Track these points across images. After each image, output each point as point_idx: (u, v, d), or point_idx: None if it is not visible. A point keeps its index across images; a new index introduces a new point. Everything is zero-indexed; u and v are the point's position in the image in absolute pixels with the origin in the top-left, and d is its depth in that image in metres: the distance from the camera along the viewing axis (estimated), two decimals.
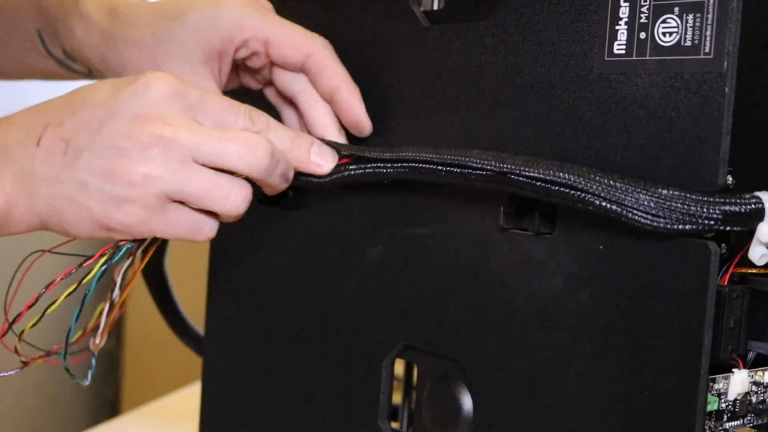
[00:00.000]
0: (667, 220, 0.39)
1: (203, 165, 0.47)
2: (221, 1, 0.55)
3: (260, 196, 0.59)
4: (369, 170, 0.50)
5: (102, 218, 0.47)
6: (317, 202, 0.57)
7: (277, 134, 0.51)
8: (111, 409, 1.95)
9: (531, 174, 0.42)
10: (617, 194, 0.40)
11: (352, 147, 0.52)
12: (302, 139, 0.52)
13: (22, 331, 0.52)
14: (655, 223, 0.40)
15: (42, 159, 0.46)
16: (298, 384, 0.58)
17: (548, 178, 0.42)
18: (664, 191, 0.39)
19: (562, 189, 0.42)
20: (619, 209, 0.40)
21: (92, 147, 0.46)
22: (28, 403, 1.72)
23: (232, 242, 0.63)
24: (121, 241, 0.49)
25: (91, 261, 0.49)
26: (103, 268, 0.49)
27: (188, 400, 0.91)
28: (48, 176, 0.46)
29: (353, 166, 0.51)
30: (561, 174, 0.42)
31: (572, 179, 0.41)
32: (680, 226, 0.39)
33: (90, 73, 0.62)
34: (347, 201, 0.55)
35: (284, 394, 0.59)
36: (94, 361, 0.53)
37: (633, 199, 0.40)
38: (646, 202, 0.40)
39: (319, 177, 0.52)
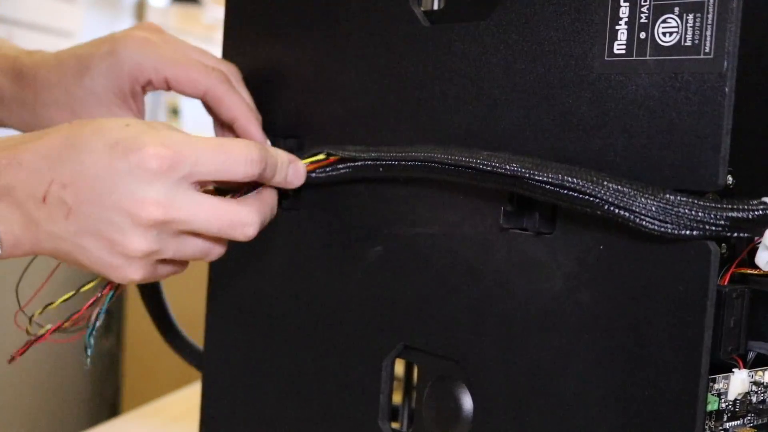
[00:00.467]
0: (674, 226, 0.40)
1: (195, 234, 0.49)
2: (117, 48, 0.59)
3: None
4: (375, 166, 0.51)
5: (101, 272, 0.49)
6: (317, 203, 0.57)
7: (269, 170, 0.51)
8: (111, 409, 1.95)
9: (541, 178, 0.43)
10: (625, 199, 0.40)
11: (348, 149, 0.53)
12: (283, 163, 0.52)
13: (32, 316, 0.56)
14: (662, 229, 0.40)
15: (46, 216, 0.47)
16: (298, 384, 0.58)
17: (558, 182, 0.42)
18: (672, 197, 0.39)
19: (571, 193, 0.42)
20: (627, 214, 0.40)
21: (92, 217, 0.47)
22: (28, 403, 1.72)
23: (232, 242, 0.62)
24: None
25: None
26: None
27: (188, 400, 0.92)
28: (52, 232, 0.48)
29: (349, 165, 0.52)
30: (571, 178, 0.42)
31: (581, 184, 0.41)
32: (687, 232, 0.39)
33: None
34: (347, 201, 0.55)
35: (284, 394, 0.59)
36: (92, 340, 0.54)
37: (641, 205, 0.40)
38: (653, 208, 0.40)
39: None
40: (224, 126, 0.61)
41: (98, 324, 0.54)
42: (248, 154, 0.49)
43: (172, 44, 0.60)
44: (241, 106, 0.59)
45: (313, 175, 0.54)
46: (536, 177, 0.43)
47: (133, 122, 0.48)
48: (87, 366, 0.55)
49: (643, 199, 0.40)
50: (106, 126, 0.48)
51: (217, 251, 0.51)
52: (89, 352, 0.54)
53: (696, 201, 0.39)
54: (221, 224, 0.48)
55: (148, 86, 0.60)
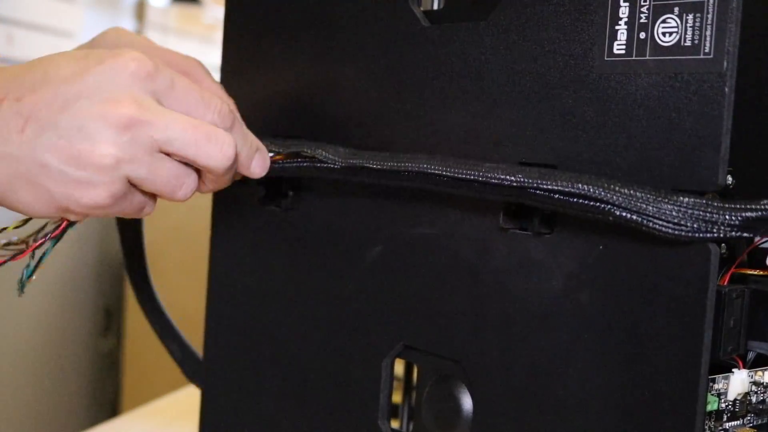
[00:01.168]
0: (688, 229, 0.39)
1: (169, 154, 0.46)
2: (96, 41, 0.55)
3: (261, 197, 0.59)
4: (369, 171, 0.51)
5: (62, 200, 0.45)
6: (317, 202, 0.57)
7: (237, 135, 0.49)
8: (111, 409, 1.95)
9: (549, 187, 0.42)
10: (638, 204, 0.40)
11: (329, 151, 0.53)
12: (253, 144, 0.51)
13: None
14: (677, 232, 0.39)
15: None
16: (298, 384, 0.58)
17: (567, 190, 0.42)
18: (685, 199, 0.39)
19: (582, 201, 0.41)
20: (640, 219, 0.40)
21: (56, 126, 0.43)
22: (28, 403, 1.72)
23: (232, 242, 0.63)
24: (69, 221, 0.49)
25: (36, 246, 0.49)
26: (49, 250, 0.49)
27: (188, 400, 0.91)
28: (2, 153, 0.44)
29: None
30: (580, 186, 0.41)
31: (592, 190, 0.41)
32: (701, 234, 0.39)
33: None
34: (347, 201, 0.55)
35: (284, 394, 0.59)
36: (27, 277, 0.50)
37: (654, 209, 0.40)
38: (667, 211, 0.39)
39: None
40: None
41: (40, 263, 0.50)
42: (222, 106, 0.47)
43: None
44: (218, 89, 0.56)
45: (277, 166, 0.53)
46: (543, 186, 0.42)
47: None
48: (18, 294, 0.51)
49: (656, 203, 0.40)
50: (72, 51, 0.45)
51: (191, 182, 0.47)
52: (22, 286, 0.50)
53: (710, 202, 0.39)
54: (198, 136, 0.46)
55: None
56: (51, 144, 0.44)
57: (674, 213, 0.39)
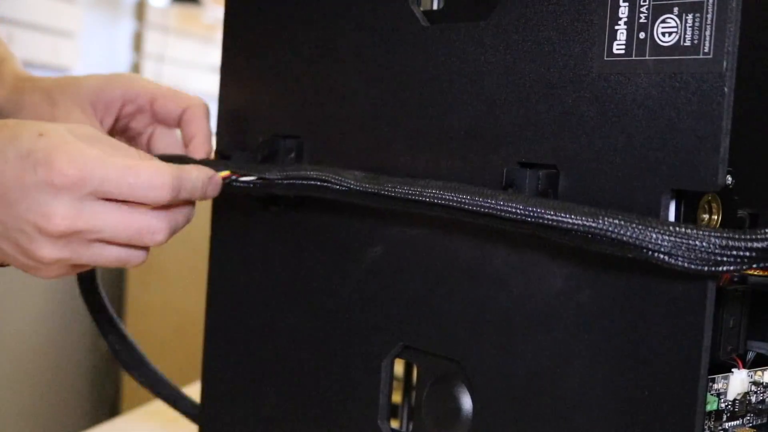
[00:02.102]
0: (710, 262, 0.38)
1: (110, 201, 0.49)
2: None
3: (261, 197, 0.59)
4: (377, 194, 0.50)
5: (22, 268, 0.51)
6: (317, 202, 0.57)
7: (184, 193, 0.51)
8: (111, 409, 1.95)
9: (569, 220, 0.41)
10: (663, 244, 0.38)
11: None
12: (201, 183, 0.53)
13: None
14: (698, 268, 0.38)
15: None
16: (298, 384, 0.58)
17: (588, 223, 0.40)
18: (699, 232, 0.38)
19: (600, 236, 0.40)
20: (666, 257, 0.38)
21: (6, 221, 0.49)
22: (28, 403, 1.72)
23: (231, 242, 0.63)
24: None
25: None
26: None
27: None
28: None
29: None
30: (601, 221, 0.40)
31: (613, 227, 0.39)
32: (723, 268, 0.38)
33: None
34: (347, 201, 0.55)
35: (284, 394, 0.59)
36: None
37: (660, 241, 0.38)
38: (692, 247, 0.38)
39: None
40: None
41: None
42: (159, 179, 0.49)
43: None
44: (205, 131, 0.63)
45: (236, 184, 0.55)
46: (565, 221, 0.41)
47: (49, 131, 0.49)
48: None
49: (680, 237, 0.38)
50: (23, 135, 0.49)
51: (137, 257, 0.52)
52: None
53: (731, 234, 0.37)
54: (129, 233, 0.50)
55: (129, 103, 0.65)
56: (3, 235, 0.49)
57: (697, 251, 0.38)
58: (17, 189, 0.48)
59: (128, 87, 0.65)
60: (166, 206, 0.51)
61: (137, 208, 0.50)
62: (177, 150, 0.65)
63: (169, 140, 0.66)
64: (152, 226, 0.50)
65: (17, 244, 0.49)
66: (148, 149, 0.66)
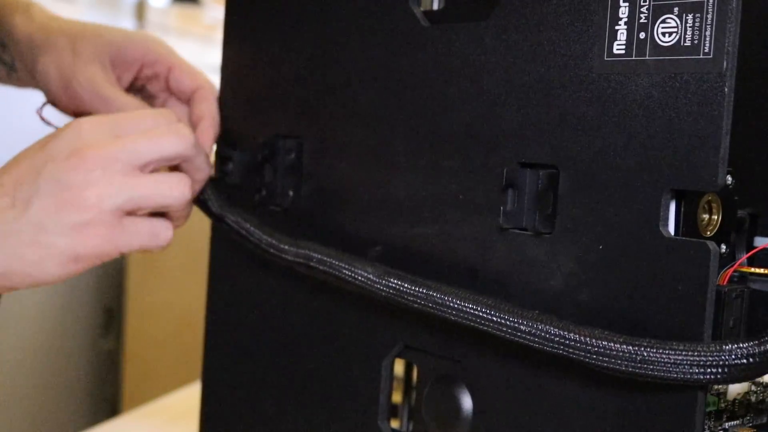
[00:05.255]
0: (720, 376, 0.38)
1: (142, 170, 0.51)
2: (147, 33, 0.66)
3: (261, 197, 0.59)
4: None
5: (69, 249, 0.50)
6: (317, 202, 0.57)
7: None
8: (111, 409, 1.95)
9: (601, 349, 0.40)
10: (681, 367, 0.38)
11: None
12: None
13: None
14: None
15: None
16: (298, 384, 0.58)
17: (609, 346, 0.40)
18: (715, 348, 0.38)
19: (621, 364, 0.40)
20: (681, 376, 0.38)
21: (38, 191, 0.49)
22: (28, 403, 1.72)
23: (232, 243, 0.63)
24: None
25: None
26: None
27: (188, 400, 0.92)
28: (3, 230, 0.49)
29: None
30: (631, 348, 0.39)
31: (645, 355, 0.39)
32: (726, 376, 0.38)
33: (12, 68, 0.68)
34: (347, 201, 0.55)
35: (284, 394, 0.59)
36: None
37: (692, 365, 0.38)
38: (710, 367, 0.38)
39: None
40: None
41: None
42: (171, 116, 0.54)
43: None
44: (214, 114, 0.62)
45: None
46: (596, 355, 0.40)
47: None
48: None
49: (704, 355, 0.38)
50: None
51: (168, 185, 0.52)
52: None
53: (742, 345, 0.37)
54: (164, 141, 0.52)
55: (147, 68, 0.65)
56: (40, 205, 0.49)
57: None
58: (42, 152, 0.50)
59: (148, 50, 0.64)
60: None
61: (161, 174, 0.52)
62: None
63: (181, 114, 0.65)
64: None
65: (56, 201, 0.49)
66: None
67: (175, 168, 0.55)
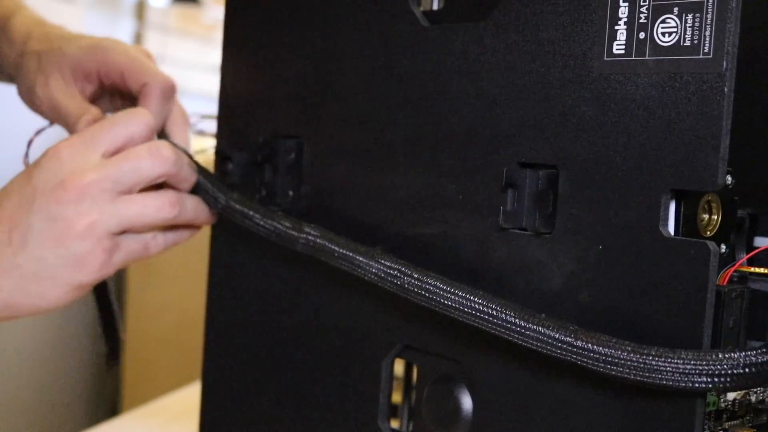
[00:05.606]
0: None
1: (127, 193, 0.52)
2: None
3: (261, 197, 0.59)
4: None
5: (72, 279, 0.52)
6: (317, 202, 0.57)
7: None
8: (111, 409, 1.95)
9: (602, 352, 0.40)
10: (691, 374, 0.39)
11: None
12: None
13: None
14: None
15: None
16: (298, 384, 0.58)
17: (616, 354, 0.40)
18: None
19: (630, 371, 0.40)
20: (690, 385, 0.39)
21: (31, 228, 0.51)
22: (28, 403, 1.72)
23: (232, 242, 0.63)
24: None
25: None
26: None
27: (188, 400, 0.91)
28: (4, 267, 0.51)
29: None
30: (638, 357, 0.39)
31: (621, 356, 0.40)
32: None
33: None
34: (347, 201, 0.55)
35: (284, 394, 0.59)
36: None
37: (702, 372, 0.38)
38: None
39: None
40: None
41: None
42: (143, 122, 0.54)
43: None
44: (157, 111, 0.62)
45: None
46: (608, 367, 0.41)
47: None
48: None
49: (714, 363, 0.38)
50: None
51: (156, 205, 0.53)
52: None
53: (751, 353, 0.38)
54: (143, 163, 0.53)
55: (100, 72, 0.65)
56: (37, 242, 0.51)
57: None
58: (29, 185, 0.51)
59: (102, 61, 0.64)
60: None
61: (148, 193, 0.53)
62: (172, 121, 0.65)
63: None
64: (152, 147, 0.53)
65: (51, 234, 0.51)
66: None
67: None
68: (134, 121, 0.54)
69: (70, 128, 0.63)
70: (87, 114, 0.61)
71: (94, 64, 0.64)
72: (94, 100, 0.66)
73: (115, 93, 0.67)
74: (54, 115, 0.64)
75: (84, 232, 0.51)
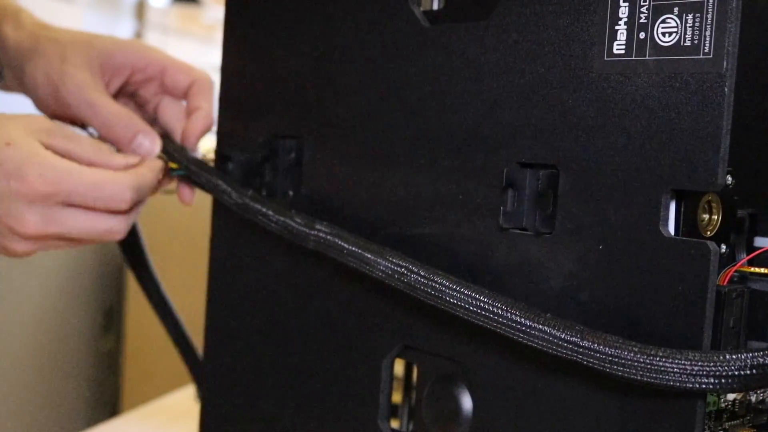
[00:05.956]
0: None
1: (77, 207, 0.56)
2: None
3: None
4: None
5: (28, 250, 0.57)
6: (317, 202, 0.57)
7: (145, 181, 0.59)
8: (111, 409, 1.95)
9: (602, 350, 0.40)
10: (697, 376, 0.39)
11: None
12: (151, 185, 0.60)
13: None
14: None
15: None
16: (298, 384, 0.58)
17: (616, 354, 0.40)
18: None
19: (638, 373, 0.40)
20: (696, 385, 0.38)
21: None
22: (28, 403, 1.72)
23: (232, 242, 0.63)
24: None
25: None
26: None
27: (188, 400, 0.91)
28: None
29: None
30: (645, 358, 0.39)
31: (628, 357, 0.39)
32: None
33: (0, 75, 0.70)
34: (347, 201, 0.55)
35: (284, 394, 0.59)
36: None
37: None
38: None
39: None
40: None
41: None
42: (121, 194, 0.56)
43: None
44: (208, 105, 0.65)
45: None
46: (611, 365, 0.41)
47: (16, 140, 0.54)
48: None
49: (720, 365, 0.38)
50: None
51: (102, 227, 0.57)
52: None
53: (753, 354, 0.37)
54: (93, 235, 0.57)
55: (139, 72, 0.66)
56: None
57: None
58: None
59: (139, 56, 0.65)
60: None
61: (101, 213, 0.56)
62: (181, 120, 0.66)
63: (175, 111, 0.66)
64: (114, 228, 0.57)
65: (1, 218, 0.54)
66: (155, 117, 0.67)
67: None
68: (121, 198, 0.57)
69: (98, 126, 0.63)
70: (144, 134, 0.62)
71: (131, 58, 0.65)
72: (117, 95, 0.67)
73: (127, 91, 0.67)
74: (83, 108, 0.63)
75: (30, 233, 0.55)
